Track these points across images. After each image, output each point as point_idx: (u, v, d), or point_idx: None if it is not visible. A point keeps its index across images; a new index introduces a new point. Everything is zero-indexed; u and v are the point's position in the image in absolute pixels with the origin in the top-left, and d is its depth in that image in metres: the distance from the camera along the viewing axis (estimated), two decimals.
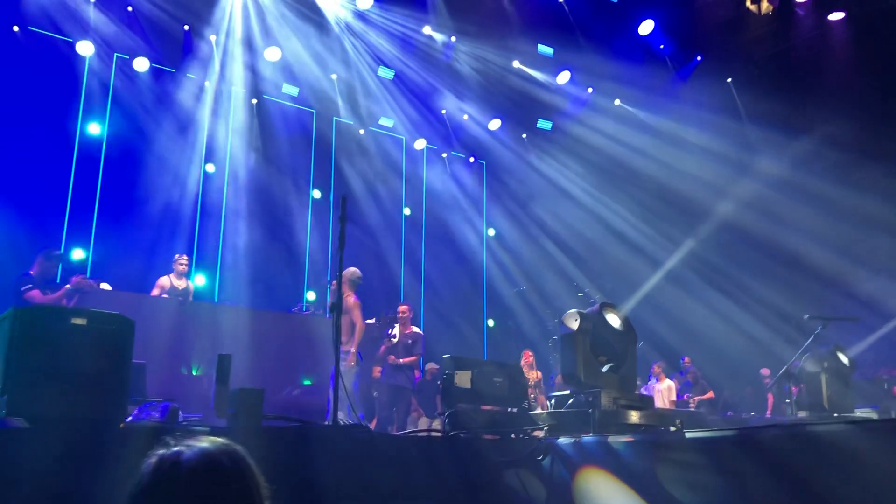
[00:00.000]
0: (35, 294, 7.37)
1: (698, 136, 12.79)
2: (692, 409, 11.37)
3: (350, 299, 8.61)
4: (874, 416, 7.02)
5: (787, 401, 8.80)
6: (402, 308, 9.90)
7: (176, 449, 1.54)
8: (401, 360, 9.45)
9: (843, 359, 7.11)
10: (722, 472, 4.00)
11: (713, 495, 4.01)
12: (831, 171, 11.16)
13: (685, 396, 12.43)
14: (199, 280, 12.25)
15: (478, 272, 15.34)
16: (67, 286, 7.57)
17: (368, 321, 9.38)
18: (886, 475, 3.23)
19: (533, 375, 11.19)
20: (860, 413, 6.96)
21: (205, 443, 1.57)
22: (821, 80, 11.86)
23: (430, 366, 10.76)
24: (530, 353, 11.80)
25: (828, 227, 11.18)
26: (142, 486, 1.50)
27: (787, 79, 12.34)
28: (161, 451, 1.54)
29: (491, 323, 15.58)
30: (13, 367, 3.48)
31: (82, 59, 11.49)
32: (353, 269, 8.89)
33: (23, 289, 7.37)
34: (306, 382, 9.44)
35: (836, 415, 6.45)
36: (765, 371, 12.42)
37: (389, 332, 9.78)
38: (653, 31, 12.73)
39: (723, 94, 12.94)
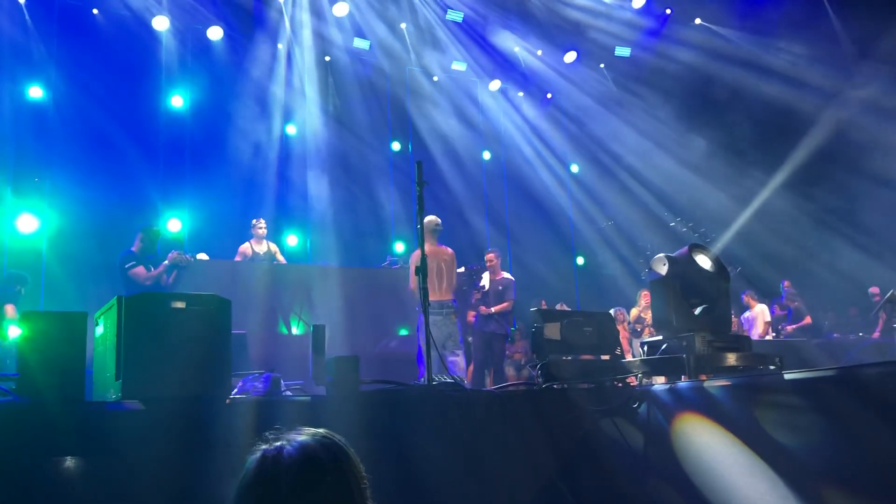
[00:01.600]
0: (139, 271, 7.70)
1: (787, 57, 12.11)
2: (791, 340, 11.06)
3: (432, 248, 8.10)
4: None
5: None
6: (489, 256, 9.85)
7: (277, 444, 1.63)
8: (493, 309, 9.44)
9: None
10: (825, 413, 3.89)
11: (816, 437, 3.92)
12: None
13: (781, 327, 12.10)
14: (292, 240, 12.60)
15: (562, 213, 15.12)
16: (166, 262, 7.83)
17: (458, 269, 9.35)
18: None
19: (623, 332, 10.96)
20: None
21: (305, 436, 1.65)
22: None
23: None
24: (622, 312, 11.54)
25: None
26: (246, 483, 1.61)
27: None
28: (264, 447, 1.63)
29: (581, 261, 15.41)
30: (124, 353, 3.68)
31: (158, 34, 11.74)
32: (430, 217, 8.32)
33: (126, 266, 7.71)
34: (403, 332, 9.63)
35: None
36: (874, 290, 11.90)
37: (478, 283, 9.80)
38: None
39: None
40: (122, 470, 3.40)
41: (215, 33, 12.19)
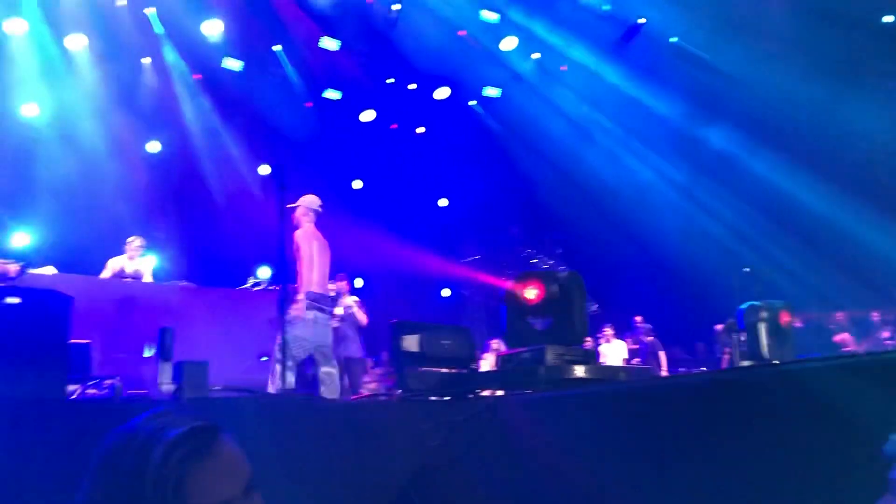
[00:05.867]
0: None
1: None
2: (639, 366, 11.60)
3: (301, 231, 7.40)
4: None
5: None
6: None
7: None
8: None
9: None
10: (670, 420, 4.10)
11: (658, 443, 4.12)
12: None
13: (634, 362, 12.65)
14: (150, 261, 12.10)
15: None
16: None
17: None
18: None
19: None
20: None
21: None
22: None
23: None
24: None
25: None
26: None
27: None
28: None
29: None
30: None
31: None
32: (311, 196, 7.76)
33: None
34: (262, 359, 9.38)
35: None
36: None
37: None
38: None
39: None
40: None
41: (77, 42, 11.74)
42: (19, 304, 3.65)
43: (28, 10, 11.24)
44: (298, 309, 6.85)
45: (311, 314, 6.93)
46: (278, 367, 5.79)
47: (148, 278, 9.59)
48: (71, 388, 4.07)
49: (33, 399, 3.50)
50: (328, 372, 6.98)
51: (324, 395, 6.51)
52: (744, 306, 7.28)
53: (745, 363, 7.18)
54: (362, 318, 9.33)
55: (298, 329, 6.78)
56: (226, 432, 1.40)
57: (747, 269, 11.28)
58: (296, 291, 7.04)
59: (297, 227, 7.41)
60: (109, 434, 1.39)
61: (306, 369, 7.23)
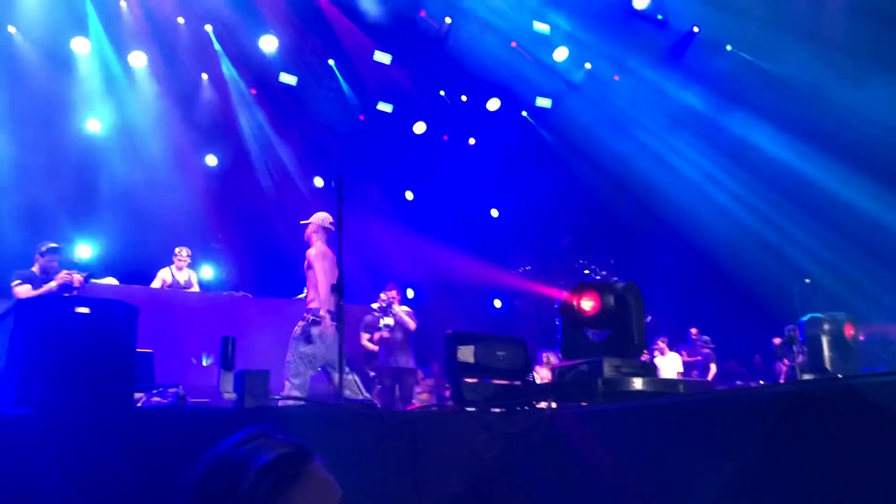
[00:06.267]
0: (22, 289, 7.26)
1: None
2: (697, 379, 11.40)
3: (313, 250, 7.54)
4: None
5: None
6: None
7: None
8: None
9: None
10: (731, 436, 4.02)
11: (716, 461, 4.04)
12: None
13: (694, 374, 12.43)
14: (206, 272, 12.38)
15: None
16: (53, 283, 7.33)
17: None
18: None
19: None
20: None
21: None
22: None
23: None
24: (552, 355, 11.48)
25: None
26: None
27: None
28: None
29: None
30: (20, 357, 3.54)
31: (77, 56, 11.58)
32: (322, 213, 7.83)
33: (12, 283, 7.30)
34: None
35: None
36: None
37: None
38: None
39: None
40: (12, 478, 3.24)
41: (138, 59, 12.11)
42: (89, 313, 3.76)
43: (93, 30, 11.66)
44: (326, 326, 6.89)
45: (317, 330, 6.97)
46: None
47: (195, 288, 9.77)
48: (136, 395, 4.17)
49: (103, 407, 3.61)
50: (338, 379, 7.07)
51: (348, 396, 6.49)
52: (805, 318, 7.12)
53: (807, 377, 7.01)
54: (411, 323, 9.35)
55: (313, 346, 6.90)
56: (317, 457, 1.39)
57: (808, 280, 11.01)
58: (308, 308, 7.17)
59: (308, 245, 7.58)
60: (201, 458, 1.38)
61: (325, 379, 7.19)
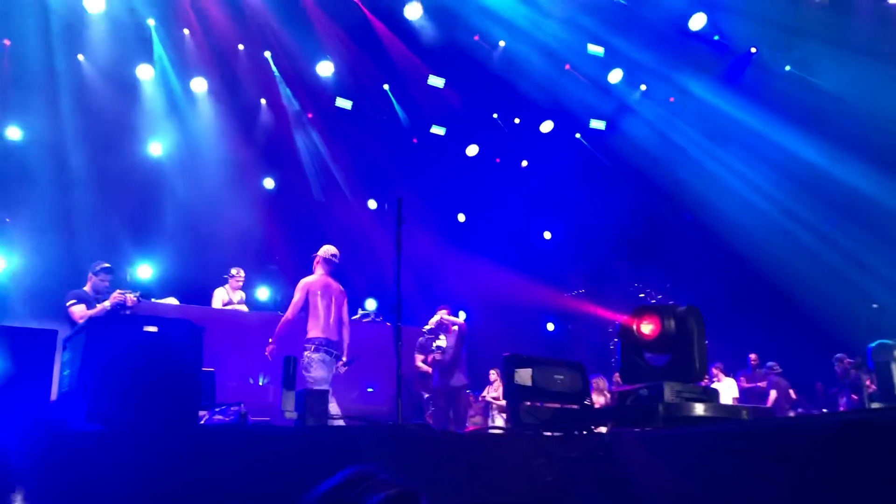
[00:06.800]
0: (76, 309, 7.21)
1: None
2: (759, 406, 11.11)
3: (325, 280, 7.93)
4: None
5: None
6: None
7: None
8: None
9: None
10: (795, 462, 3.91)
11: (786, 488, 3.93)
12: None
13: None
14: (262, 293, 12.59)
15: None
16: (106, 303, 7.24)
17: None
18: None
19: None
20: None
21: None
22: None
23: None
24: (603, 380, 11.30)
25: None
26: None
27: None
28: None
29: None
30: (90, 375, 3.64)
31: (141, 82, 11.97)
32: (328, 246, 8.22)
33: (66, 304, 7.27)
34: (369, 390, 9.56)
35: None
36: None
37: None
38: None
39: None
40: (83, 492, 3.32)
41: (199, 84, 12.46)
42: (156, 332, 3.86)
43: (157, 57, 12.07)
44: (308, 355, 7.52)
45: (318, 356, 7.53)
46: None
47: (244, 308, 10.01)
48: (200, 413, 4.25)
49: (170, 424, 3.68)
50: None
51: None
52: (873, 345, 6.89)
53: (875, 405, 6.78)
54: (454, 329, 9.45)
55: (314, 372, 7.39)
56: (424, 498, 1.38)
57: (875, 306, 10.68)
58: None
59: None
60: (307, 495, 1.38)
61: None
